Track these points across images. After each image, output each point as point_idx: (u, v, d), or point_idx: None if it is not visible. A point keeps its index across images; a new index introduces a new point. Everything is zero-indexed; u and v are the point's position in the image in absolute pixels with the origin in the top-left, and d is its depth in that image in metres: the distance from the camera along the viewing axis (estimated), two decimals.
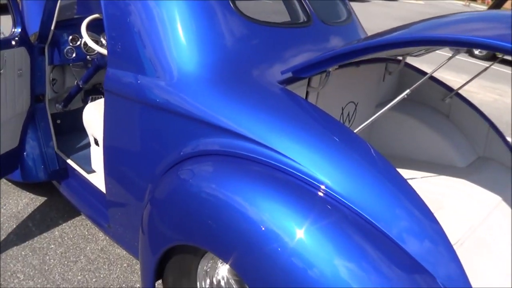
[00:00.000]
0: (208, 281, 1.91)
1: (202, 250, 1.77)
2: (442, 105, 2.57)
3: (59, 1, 2.46)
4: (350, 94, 2.42)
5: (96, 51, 2.59)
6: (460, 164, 2.40)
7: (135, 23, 1.90)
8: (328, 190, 1.53)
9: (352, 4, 2.98)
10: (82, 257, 2.62)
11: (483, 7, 24.92)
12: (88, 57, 2.80)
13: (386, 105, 1.67)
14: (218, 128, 1.70)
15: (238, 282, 1.92)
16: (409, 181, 1.63)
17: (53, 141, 2.72)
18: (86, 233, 2.83)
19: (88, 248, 2.70)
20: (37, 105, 2.63)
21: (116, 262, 2.61)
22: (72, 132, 2.99)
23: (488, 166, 2.42)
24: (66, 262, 2.57)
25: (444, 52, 10.33)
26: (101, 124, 2.17)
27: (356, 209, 1.50)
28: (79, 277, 2.47)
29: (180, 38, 1.82)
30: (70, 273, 2.49)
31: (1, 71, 2.25)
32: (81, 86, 2.79)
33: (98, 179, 2.53)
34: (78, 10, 3.10)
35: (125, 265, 2.60)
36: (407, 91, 1.65)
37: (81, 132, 2.83)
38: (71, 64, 2.89)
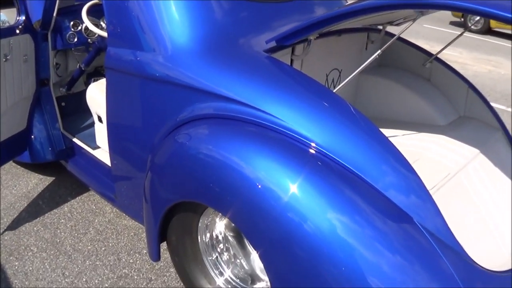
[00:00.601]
0: (208, 235, 2.07)
1: (202, 207, 1.93)
2: (423, 70, 2.68)
3: None
4: (333, 61, 2.54)
5: (96, 35, 2.73)
6: (441, 123, 2.49)
7: (132, 3, 2.04)
8: (318, 147, 1.63)
9: None
10: (91, 229, 2.79)
11: None
12: (89, 40, 2.95)
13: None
14: (211, 94, 1.84)
15: (234, 237, 2.08)
16: (391, 138, 1.74)
17: (58, 123, 2.87)
18: (94, 207, 2.99)
19: (96, 220, 2.87)
20: (42, 89, 2.77)
21: (123, 232, 2.78)
22: (76, 113, 3.14)
23: (469, 123, 2.50)
24: (76, 234, 2.73)
25: (429, 25, 10.36)
26: (103, 102, 2.33)
27: (343, 162, 1.61)
28: (89, 247, 2.64)
29: (173, 14, 1.97)
30: (80, 244, 2.66)
31: (9, 57, 2.39)
32: (83, 68, 2.93)
33: (103, 154, 2.68)
34: None
35: (132, 234, 2.76)
36: (378, 51, 1.76)
37: (85, 112, 2.99)
38: (73, 49, 3.04)
